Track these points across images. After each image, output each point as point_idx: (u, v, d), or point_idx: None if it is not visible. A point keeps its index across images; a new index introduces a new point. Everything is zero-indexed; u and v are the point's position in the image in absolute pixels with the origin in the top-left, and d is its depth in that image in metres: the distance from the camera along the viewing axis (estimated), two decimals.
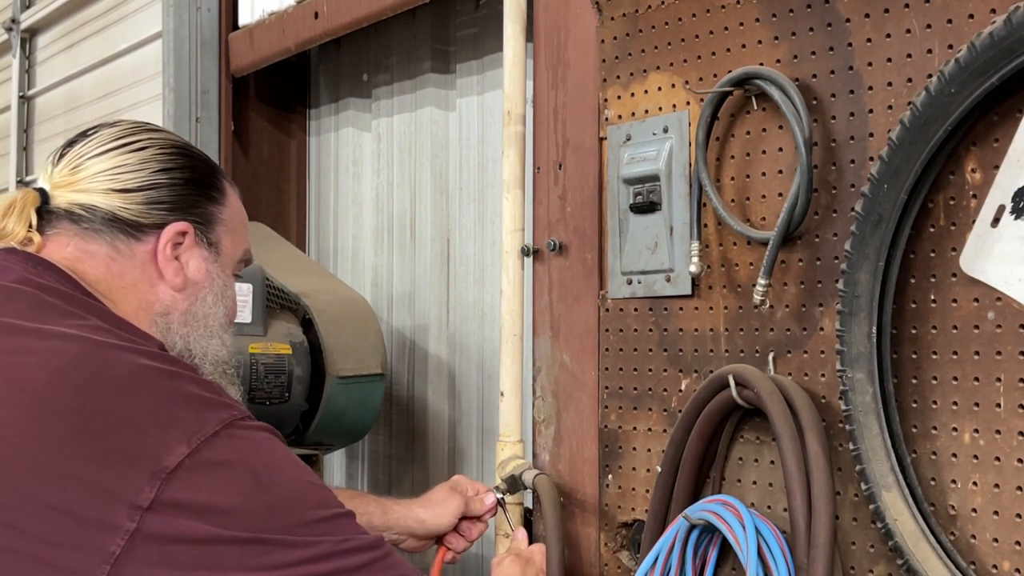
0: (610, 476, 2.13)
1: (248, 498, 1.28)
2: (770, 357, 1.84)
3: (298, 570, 1.28)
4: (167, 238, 1.48)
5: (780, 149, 1.83)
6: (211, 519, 1.25)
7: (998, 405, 1.54)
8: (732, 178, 1.91)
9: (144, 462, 1.24)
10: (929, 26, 1.61)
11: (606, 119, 2.14)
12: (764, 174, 1.86)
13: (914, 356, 1.65)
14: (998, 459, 1.54)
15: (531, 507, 2.27)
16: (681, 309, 2.00)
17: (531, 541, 2.28)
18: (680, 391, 2.00)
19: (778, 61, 1.83)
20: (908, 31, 1.64)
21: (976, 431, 1.57)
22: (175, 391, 1.31)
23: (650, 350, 2.06)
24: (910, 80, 1.64)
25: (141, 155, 1.49)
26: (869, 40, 1.70)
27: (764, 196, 1.86)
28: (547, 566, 2.07)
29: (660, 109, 2.03)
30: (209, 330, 1.53)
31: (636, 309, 2.09)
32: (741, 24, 1.89)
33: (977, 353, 1.56)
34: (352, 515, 1.37)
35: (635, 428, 2.08)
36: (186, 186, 1.51)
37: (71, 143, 1.53)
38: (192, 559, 1.24)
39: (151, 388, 1.30)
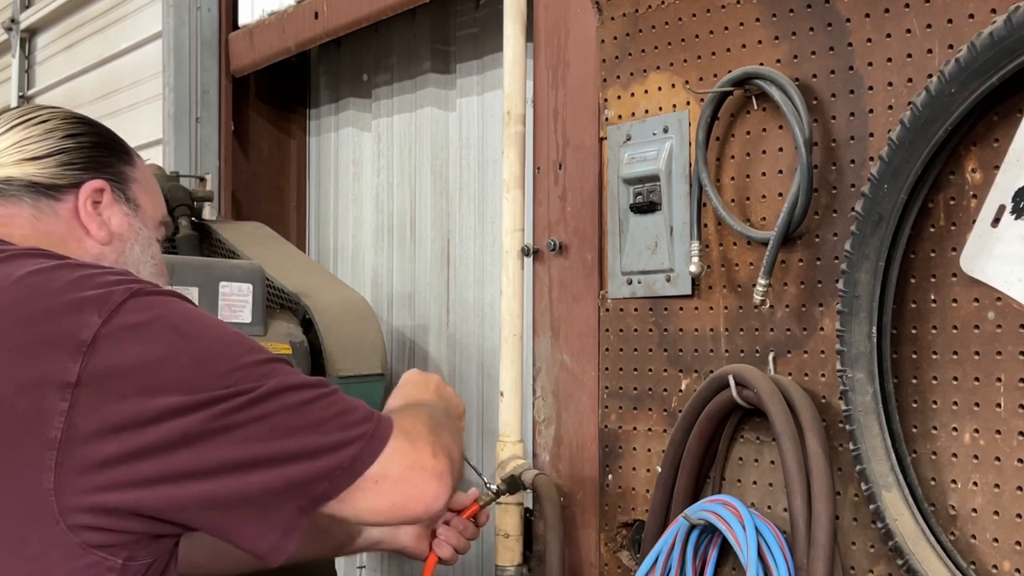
0: (610, 476, 2.13)
1: (175, 351, 1.28)
2: (770, 357, 1.84)
3: (242, 414, 1.26)
4: (85, 195, 1.52)
5: (780, 149, 1.83)
6: (144, 380, 1.25)
7: (998, 405, 1.54)
8: (732, 178, 1.91)
9: (62, 343, 1.25)
10: (929, 26, 1.61)
11: (606, 119, 2.14)
12: (764, 174, 1.86)
13: (914, 356, 1.64)
14: (998, 459, 1.54)
15: (531, 507, 2.27)
16: (681, 309, 2.00)
17: (531, 541, 2.28)
18: (680, 391, 2.00)
19: (778, 61, 1.83)
20: (908, 31, 1.64)
21: (976, 431, 1.57)
22: (79, 276, 1.33)
23: (650, 350, 2.06)
24: (910, 80, 1.64)
25: (45, 126, 1.54)
26: (869, 40, 1.70)
27: (764, 196, 1.86)
28: (548, 566, 2.06)
29: (660, 109, 2.03)
30: (141, 277, 1.54)
31: (636, 309, 2.09)
32: (741, 24, 1.89)
33: (977, 353, 1.56)
34: (287, 361, 1.37)
35: (635, 428, 2.08)
36: (94, 148, 1.56)
37: None
38: (136, 427, 1.23)
39: (56, 278, 1.33)
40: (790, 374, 1.81)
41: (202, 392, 1.26)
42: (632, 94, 2.09)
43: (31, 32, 5.52)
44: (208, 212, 3.53)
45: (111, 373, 1.25)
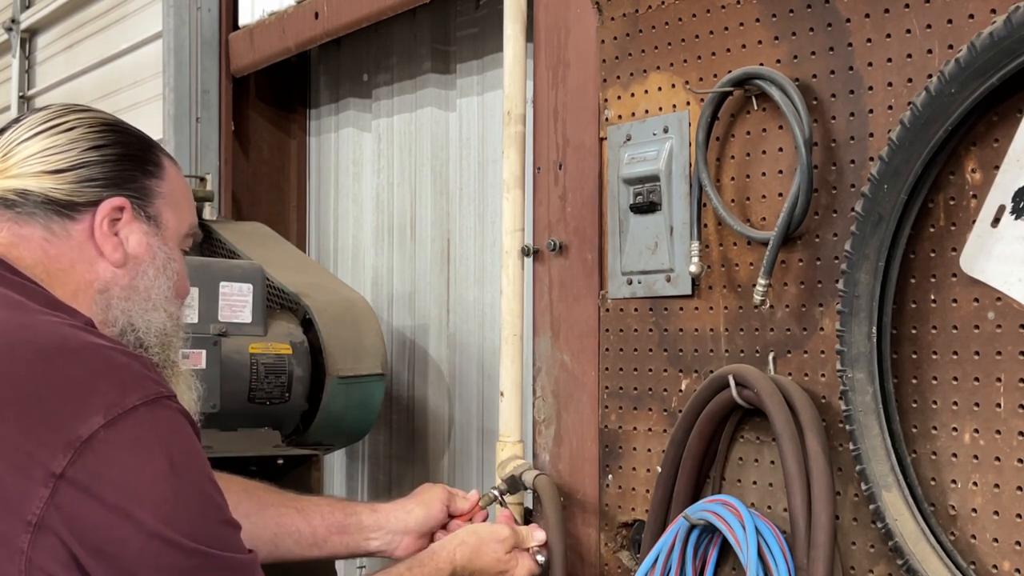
0: (610, 476, 2.13)
1: (161, 479, 1.27)
2: (770, 357, 1.84)
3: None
4: (103, 214, 1.47)
5: (780, 149, 1.83)
6: (121, 496, 1.25)
7: (998, 405, 1.54)
8: (732, 178, 1.91)
9: (60, 429, 1.24)
10: (929, 26, 1.61)
11: (606, 119, 2.14)
12: (764, 174, 1.86)
13: (914, 356, 1.65)
14: (998, 459, 1.54)
15: (531, 507, 2.27)
16: (681, 309, 2.00)
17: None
18: (680, 391, 2.00)
19: (778, 61, 1.83)
20: (908, 31, 1.64)
21: (976, 431, 1.57)
22: (97, 360, 1.31)
23: (650, 350, 2.06)
24: (910, 80, 1.64)
25: (70, 135, 1.48)
26: (869, 40, 1.70)
27: (764, 196, 1.86)
28: (548, 567, 2.06)
29: (660, 109, 2.03)
30: (152, 303, 1.52)
31: (636, 309, 2.09)
32: (741, 24, 1.89)
33: (977, 353, 1.56)
34: (238, 527, 1.38)
35: (635, 428, 2.08)
36: (119, 162, 1.50)
37: (1, 132, 1.53)
38: (98, 539, 1.24)
39: (71, 356, 1.30)
40: (790, 374, 1.81)
41: (170, 529, 1.27)
42: (632, 94, 2.09)
43: (31, 32, 5.52)
44: (208, 212, 3.54)
45: (95, 478, 1.24)
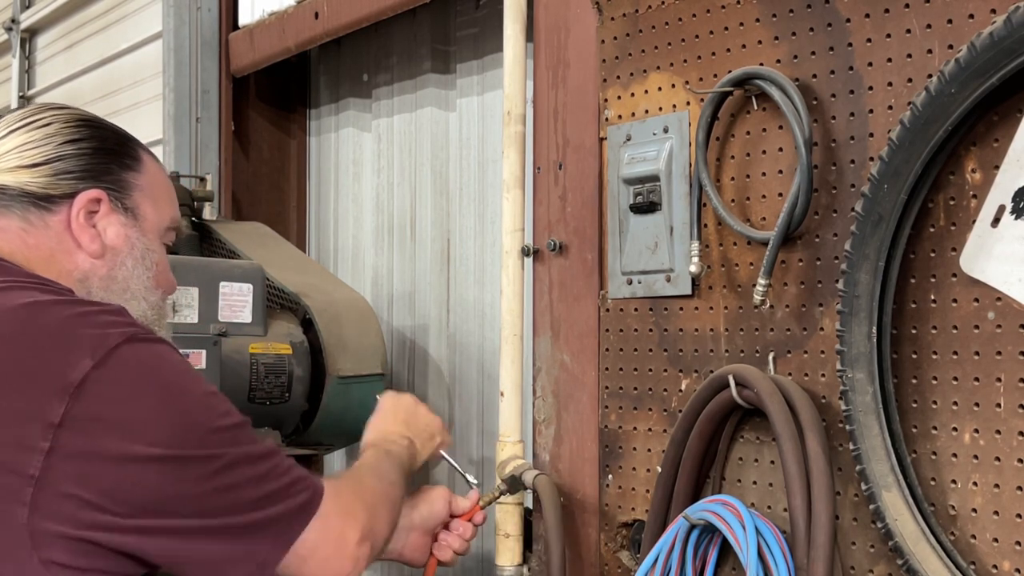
0: (610, 476, 2.13)
1: (159, 408, 1.30)
2: (770, 357, 1.84)
3: (210, 482, 1.31)
4: (80, 206, 1.49)
5: (780, 149, 1.83)
6: (125, 433, 1.27)
7: (998, 405, 1.54)
8: (732, 178, 1.91)
9: (50, 380, 1.26)
10: (929, 26, 1.61)
11: (606, 119, 2.14)
12: (764, 174, 1.86)
13: (914, 356, 1.64)
14: (998, 459, 1.54)
15: (531, 507, 2.27)
16: (681, 309, 2.00)
17: (531, 541, 2.28)
18: (680, 391, 2.00)
19: (778, 61, 1.83)
20: (908, 31, 1.64)
21: (976, 431, 1.57)
22: (74, 313, 1.33)
23: (650, 350, 2.06)
24: (910, 80, 1.64)
25: (46, 130, 1.50)
26: (869, 40, 1.70)
27: (764, 196, 1.86)
28: (548, 566, 2.06)
29: (660, 109, 2.03)
30: (130, 293, 1.53)
31: (636, 309, 2.09)
32: (741, 24, 1.89)
33: (977, 353, 1.56)
34: (248, 423, 1.41)
35: (635, 428, 2.08)
36: (95, 155, 1.51)
37: None
38: (111, 479, 1.26)
39: (51, 313, 1.33)
40: (790, 374, 1.81)
41: (178, 448, 1.29)
42: (632, 94, 2.09)
43: (31, 32, 5.52)
44: (208, 212, 3.54)
45: (95, 419, 1.26)
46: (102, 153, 1.52)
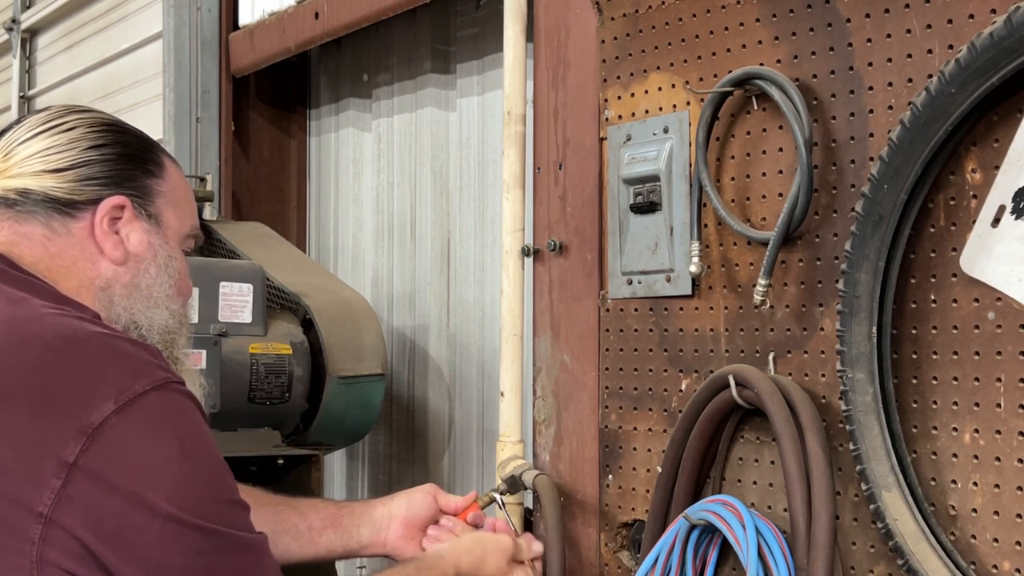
0: (610, 476, 2.13)
1: (174, 464, 1.28)
2: (770, 357, 1.84)
3: (200, 559, 1.29)
4: (103, 212, 1.48)
5: (780, 149, 1.83)
6: (139, 479, 1.25)
7: (998, 405, 1.54)
8: (732, 178, 1.91)
9: (71, 417, 1.24)
10: (929, 26, 1.61)
11: (606, 119, 2.14)
12: (764, 174, 1.86)
13: (914, 356, 1.65)
14: (998, 459, 1.54)
15: (531, 507, 2.27)
16: (681, 309, 2.00)
17: None
18: (680, 391, 2.00)
19: (778, 61, 1.83)
20: (908, 31, 1.64)
21: (976, 431, 1.57)
22: (106, 349, 1.31)
23: (650, 350, 2.06)
24: (910, 80, 1.64)
25: (70, 135, 1.49)
26: (869, 40, 1.70)
27: (764, 196, 1.86)
28: (547, 567, 2.06)
29: (660, 109, 2.03)
30: (153, 300, 1.52)
31: (636, 309, 2.09)
32: (741, 24, 1.89)
33: (977, 353, 1.56)
34: (248, 507, 1.39)
35: (635, 428, 2.08)
36: (119, 161, 1.50)
37: (2, 133, 1.53)
38: (114, 526, 1.24)
39: (79, 346, 1.31)
40: (790, 374, 1.81)
41: (183, 511, 1.27)
42: (632, 94, 2.09)
43: (32, 32, 5.53)
44: (208, 212, 3.54)
45: (108, 464, 1.25)
46: (126, 159, 1.51)
